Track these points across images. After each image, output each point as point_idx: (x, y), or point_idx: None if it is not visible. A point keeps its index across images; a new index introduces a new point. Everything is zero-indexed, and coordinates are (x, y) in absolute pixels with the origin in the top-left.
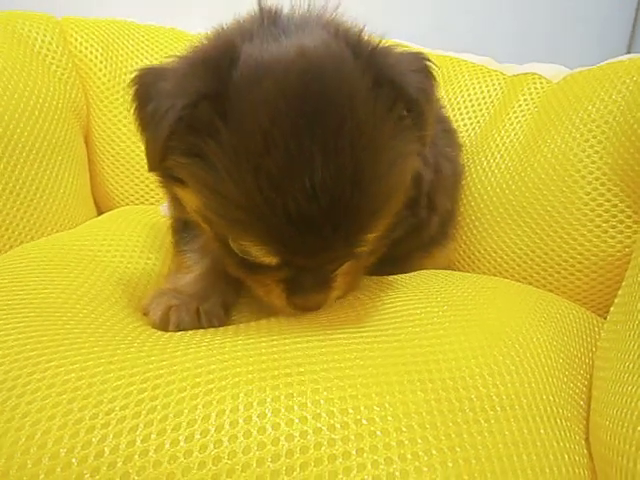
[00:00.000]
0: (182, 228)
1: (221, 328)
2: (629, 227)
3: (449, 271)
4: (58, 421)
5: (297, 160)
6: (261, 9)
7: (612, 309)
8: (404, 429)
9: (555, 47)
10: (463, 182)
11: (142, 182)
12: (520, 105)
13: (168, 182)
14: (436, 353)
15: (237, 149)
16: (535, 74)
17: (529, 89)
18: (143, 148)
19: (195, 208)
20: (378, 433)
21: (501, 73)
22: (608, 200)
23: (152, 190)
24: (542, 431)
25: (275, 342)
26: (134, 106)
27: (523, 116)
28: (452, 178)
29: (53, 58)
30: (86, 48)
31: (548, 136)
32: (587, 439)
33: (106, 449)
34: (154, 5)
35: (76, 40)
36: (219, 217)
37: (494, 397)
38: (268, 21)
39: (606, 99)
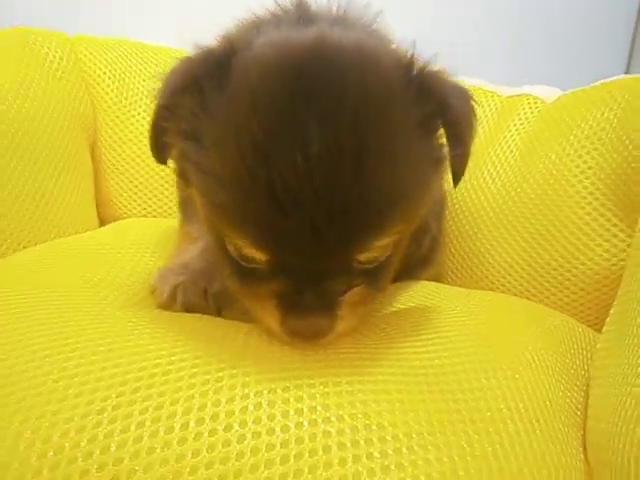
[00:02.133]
0: (190, 206)
1: (233, 325)
2: (622, 240)
3: (447, 286)
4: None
5: (288, 127)
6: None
7: (607, 320)
8: (414, 435)
9: (550, 70)
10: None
11: (145, 195)
12: (515, 124)
13: (181, 182)
14: (444, 366)
15: (225, 119)
16: (530, 95)
17: (524, 109)
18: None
19: (200, 208)
20: (388, 438)
21: (496, 94)
22: (602, 214)
23: (155, 203)
24: (538, 432)
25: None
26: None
27: (518, 134)
28: (439, 204)
29: (63, 72)
30: (95, 64)
31: (542, 152)
32: (584, 448)
33: (112, 445)
34: (164, 27)
35: (86, 57)
36: (207, 202)
37: (502, 407)
38: (299, 12)
39: (598, 117)
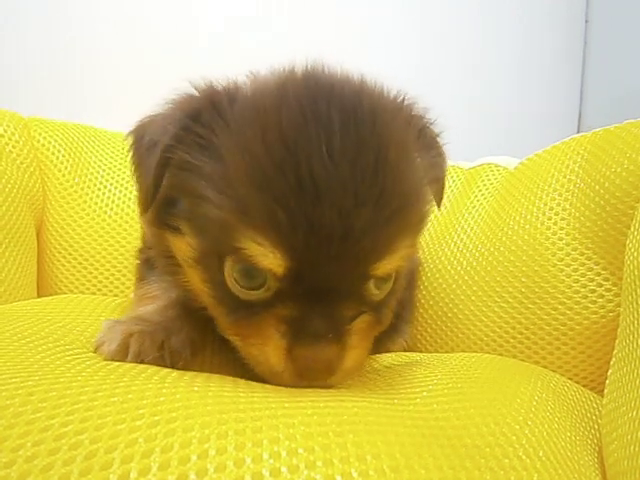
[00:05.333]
0: (149, 267)
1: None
2: (609, 290)
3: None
4: None
5: (313, 122)
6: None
7: (608, 383)
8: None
9: (505, 142)
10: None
11: (90, 273)
12: (480, 190)
13: (161, 232)
14: (446, 411)
15: (245, 125)
16: (491, 163)
17: (487, 176)
18: (136, 194)
19: (187, 249)
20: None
21: (458, 167)
22: (582, 264)
23: (100, 282)
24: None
25: (256, 396)
26: (131, 149)
27: (484, 199)
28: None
29: (14, 147)
30: (49, 143)
31: (512, 211)
32: None
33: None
34: (124, 115)
35: (40, 135)
36: (221, 213)
37: (521, 454)
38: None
39: (564, 169)
